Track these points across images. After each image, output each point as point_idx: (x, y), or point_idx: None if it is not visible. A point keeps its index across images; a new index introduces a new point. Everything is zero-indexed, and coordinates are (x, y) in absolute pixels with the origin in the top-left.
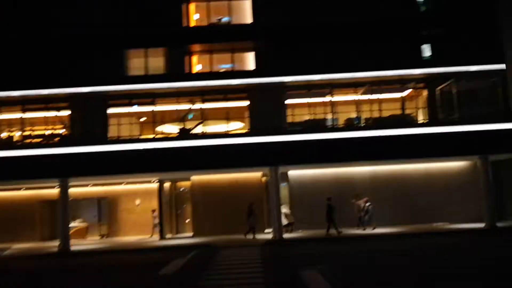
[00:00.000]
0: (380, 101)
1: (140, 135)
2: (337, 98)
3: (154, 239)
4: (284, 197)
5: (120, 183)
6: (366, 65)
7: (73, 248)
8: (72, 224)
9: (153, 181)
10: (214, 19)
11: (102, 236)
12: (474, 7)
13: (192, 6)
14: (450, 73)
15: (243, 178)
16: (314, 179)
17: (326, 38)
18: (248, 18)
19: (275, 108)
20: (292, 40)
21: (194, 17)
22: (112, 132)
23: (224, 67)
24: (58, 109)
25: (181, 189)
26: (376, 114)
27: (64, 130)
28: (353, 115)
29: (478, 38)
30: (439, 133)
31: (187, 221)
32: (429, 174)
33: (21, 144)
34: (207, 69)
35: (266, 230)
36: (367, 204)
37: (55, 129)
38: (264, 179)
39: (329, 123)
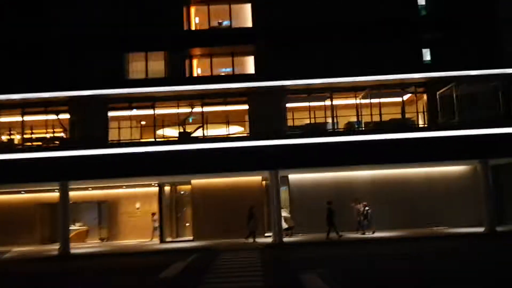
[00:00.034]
0: (380, 105)
1: (140, 138)
2: (337, 102)
3: (154, 243)
4: (284, 200)
5: (120, 187)
6: (366, 69)
7: (73, 251)
8: (72, 227)
9: (153, 185)
10: (214, 23)
11: (102, 239)
12: (474, 11)
13: (192, 10)
14: (450, 77)
15: (243, 182)
16: (314, 183)
17: (326, 41)
18: (248, 22)
19: (275, 112)
20: (292, 43)
21: (195, 20)
22: (112, 135)
23: (224, 71)
24: (58, 112)
25: (181, 193)
26: (376, 118)
27: (64, 133)
28: (353, 119)
29: (478, 42)
30: (439, 137)
31: (187, 224)
32: (429, 178)
33: (21, 147)
34: (207, 73)
35: (266, 234)
36: (366, 208)
37: (55, 132)
38: (264, 182)
39: (329, 127)
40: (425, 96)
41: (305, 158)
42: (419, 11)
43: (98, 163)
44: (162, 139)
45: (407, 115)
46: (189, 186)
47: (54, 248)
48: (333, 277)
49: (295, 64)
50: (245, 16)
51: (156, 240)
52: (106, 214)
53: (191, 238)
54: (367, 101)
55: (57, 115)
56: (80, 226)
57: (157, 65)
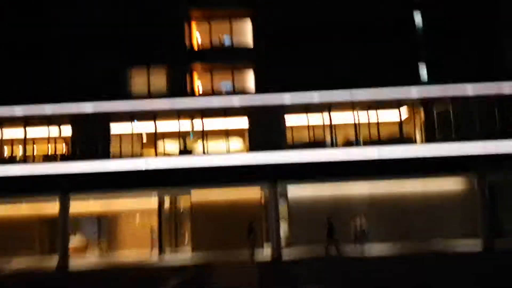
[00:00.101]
0: (378, 120)
1: (141, 152)
2: (336, 119)
3: (153, 256)
4: (283, 215)
5: (120, 199)
6: (364, 84)
7: (72, 264)
8: (71, 241)
9: (153, 198)
10: (215, 39)
11: (101, 252)
12: (471, 27)
13: (194, 26)
14: (447, 93)
15: (242, 195)
16: (313, 196)
17: (327, 53)
18: (249, 36)
19: (275, 128)
20: (292, 59)
21: (196, 36)
22: (113, 149)
23: (225, 86)
24: (60, 125)
25: (180, 206)
26: (374, 133)
27: (65, 146)
28: (352, 133)
29: (475, 58)
30: (436, 152)
31: (186, 237)
32: (426, 193)
33: (22, 160)
34: (208, 88)
35: (265, 248)
36: (362, 221)
37: (56, 146)
38: (263, 196)
39: (328, 142)
40: (422, 112)
41: (303, 172)
42: (417, 27)
43: (98, 176)
44: (163, 153)
45: (404, 130)
46: (188, 199)
47: (53, 261)
48: None
49: (295, 83)
50: (246, 32)
51: (155, 253)
52: (106, 227)
53: (190, 251)
54: (365, 119)
55: (58, 128)
56: (79, 239)
57: (159, 80)
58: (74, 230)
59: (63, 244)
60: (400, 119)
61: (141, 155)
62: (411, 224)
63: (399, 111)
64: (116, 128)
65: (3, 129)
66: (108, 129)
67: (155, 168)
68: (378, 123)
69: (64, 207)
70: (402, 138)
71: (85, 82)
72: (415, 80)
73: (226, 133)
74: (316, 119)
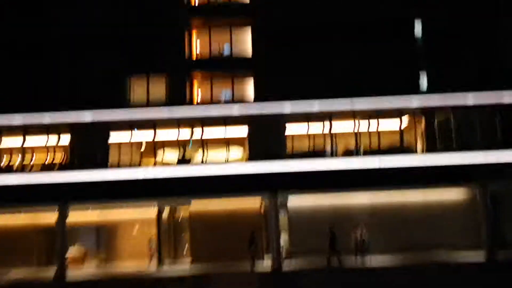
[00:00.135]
0: (378, 130)
1: (140, 162)
2: (336, 128)
3: (151, 267)
4: (283, 225)
5: (119, 209)
6: (364, 93)
7: (69, 275)
8: (69, 251)
9: (152, 208)
10: (215, 48)
11: (99, 263)
12: (471, 37)
13: (194, 35)
14: (448, 102)
15: (242, 205)
16: (313, 208)
17: (326, 66)
18: (249, 45)
19: (275, 137)
20: (292, 67)
21: (196, 44)
22: (112, 158)
23: (225, 95)
24: (59, 134)
25: (180, 216)
26: (375, 142)
27: (64, 156)
28: (352, 143)
29: (476, 68)
30: (438, 161)
31: (185, 248)
32: (428, 203)
33: (21, 169)
34: (208, 97)
35: (265, 259)
36: (362, 232)
37: (55, 155)
38: (263, 206)
39: (328, 151)
40: (423, 122)
41: (304, 182)
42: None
43: (97, 186)
44: (162, 163)
45: (405, 140)
46: (188, 210)
47: (50, 272)
48: None
49: (295, 92)
50: (246, 42)
51: (153, 264)
52: (104, 237)
53: (189, 262)
54: (365, 128)
55: (57, 137)
56: (77, 250)
57: (158, 89)
58: (72, 240)
59: (61, 254)
60: (401, 128)
61: (140, 164)
62: (412, 234)
63: (400, 120)
64: (115, 137)
65: (1, 137)
66: (106, 138)
67: (154, 177)
68: (378, 132)
69: (62, 217)
70: (403, 147)
71: (85, 90)
72: (416, 89)
73: (226, 142)
74: (316, 128)
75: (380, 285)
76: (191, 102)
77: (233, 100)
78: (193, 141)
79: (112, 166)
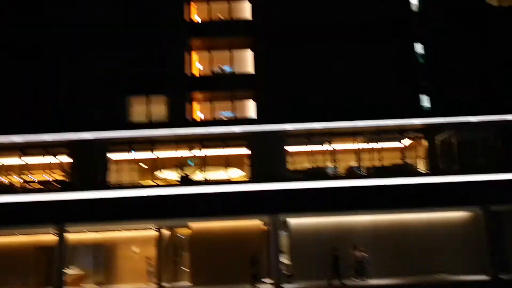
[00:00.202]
0: (380, 150)
1: (140, 181)
2: (337, 146)
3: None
4: (284, 246)
5: (118, 230)
6: (365, 114)
7: None
8: (68, 272)
9: (152, 228)
10: (215, 68)
11: (98, 284)
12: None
13: (194, 55)
14: (449, 123)
15: (242, 226)
16: (314, 227)
17: (326, 86)
18: (249, 66)
19: (275, 156)
20: (292, 88)
21: (197, 65)
22: (112, 178)
23: (225, 114)
24: (58, 154)
25: (179, 237)
26: (376, 163)
27: (63, 175)
28: (354, 163)
29: (477, 89)
30: (440, 183)
31: (185, 269)
32: (430, 224)
33: (19, 189)
34: (208, 116)
35: (266, 280)
36: (363, 254)
37: (54, 175)
38: (264, 227)
39: (329, 171)
40: (425, 142)
41: (305, 202)
42: (418, 58)
43: (96, 206)
44: (162, 182)
45: (407, 161)
46: (187, 230)
47: None
48: None
49: (296, 111)
50: (246, 62)
51: (152, 285)
52: (103, 258)
53: (189, 283)
54: (367, 145)
55: (56, 157)
56: (76, 270)
57: (158, 108)
58: (70, 260)
59: (58, 275)
60: (403, 150)
61: (139, 184)
62: (414, 256)
63: (402, 142)
64: (115, 156)
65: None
66: (106, 158)
67: (154, 197)
68: (380, 154)
69: (61, 237)
70: (405, 168)
71: (85, 111)
72: (418, 112)
73: (226, 162)
74: (317, 147)
75: None
76: (191, 121)
77: (233, 120)
78: (194, 161)
79: (111, 186)
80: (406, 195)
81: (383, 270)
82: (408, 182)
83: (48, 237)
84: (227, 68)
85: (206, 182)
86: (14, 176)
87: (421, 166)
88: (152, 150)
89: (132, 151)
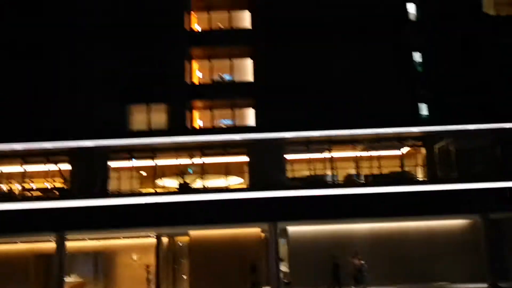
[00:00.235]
0: (379, 157)
1: (140, 189)
2: (336, 154)
3: None
4: (283, 254)
5: (117, 237)
6: (365, 122)
7: None
8: (67, 280)
9: (151, 236)
10: (215, 76)
11: None
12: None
13: (195, 64)
14: (448, 131)
15: (241, 234)
16: (314, 235)
17: (326, 94)
18: (248, 75)
19: (275, 164)
20: (292, 96)
21: (197, 74)
22: (112, 185)
23: (225, 122)
24: (59, 162)
25: (179, 244)
26: (375, 171)
27: (63, 183)
28: (353, 171)
29: (474, 96)
30: (439, 190)
31: (184, 277)
32: (429, 232)
33: (20, 197)
34: (208, 124)
35: None
36: (361, 262)
37: (54, 182)
38: (263, 235)
39: (328, 179)
40: (424, 150)
41: (304, 210)
42: (416, 67)
43: (96, 214)
44: (161, 190)
45: (406, 168)
46: (187, 238)
47: None
48: None
49: (295, 119)
50: (246, 70)
51: None
52: (103, 265)
53: None
54: (366, 153)
55: (57, 165)
56: (75, 278)
57: (158, 116)
58: (70, 268)
59: (58, 283)
60: (402, 157)
61: (139, 192)
62: (413, 264)
63: (401, 150)
64: (115, 164)
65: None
66: (106, 165)
67: (153, 205)
68: (379, 162)
69: (60, 244)
70: (404, 176)
71: (86, 119)
72: (416, 120)
73: (226, 170)
74: (316, 155)
75: None
76: (191, 129)
77: (233, 128)
78: (193, 169)
79: (111, 194)
80: (405, 203)
81: (382, 278)
82: (407, 190)
83: (48, 244)
84: (226, 77)
85: (206, 190)
86: (15, 184)
87: (420, 174)
88: (152, 158)
89: (133, 159)
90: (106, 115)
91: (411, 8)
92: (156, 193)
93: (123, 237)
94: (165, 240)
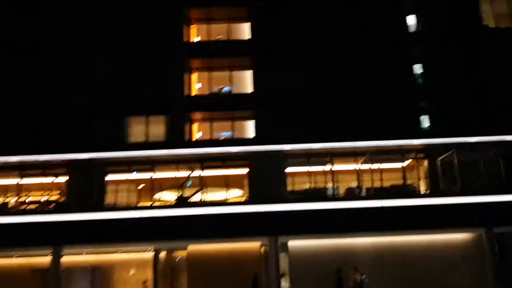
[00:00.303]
0: (381, 170)
1: (138, 202)
2: (337, 166)
3: None
4: (283, 268)
5: (115, 252)
6: (366, 134)
7: None
8: None
9: (149, 250)
10: (215, 89)
11: None
12: (470, 78)
13: (194, 76)
14: (450, 144)
15: (241, 248)
16: (315, 249)
17: (327, 105)
18: (248, 87)
19: (275, 176)
20: (292, 108)
21: (196, 86)
22: (109, 199)
23: (224, 134)
24: (56, 175)
25: (177, 259)
26: (377, 184)
27: (60, 196)
28: (354, 184)
29: (476, 108)
30: (442, 204)
31: None
32: (432, 246)
33: (15, 210)
34: (207, 137)
35: None
36: (363, 276)
37: (51, 195)
38: (263, 249)
39: (329, 192)
40: (426, 162)
41: (305, 224)
42: (417, 79)
43: (93, 228)
44: (159, 204)
45: (408, 181)
46: (185, 252)
47: None
48: None
49: (295, 131)
50: (245, 82)
51: None
52: (99, 280)
53: None
54: (367, 166)
55: (54, 177)
56: None
57: (157, 128)
58: (66, 283)
59: None
60: (404, 170)
61: (137, 205)
62: (415, 278)
63: (403, 162)
64: (113, 177)
65: None
66: (104, 178)
67: (151, 219)
68: (381, 175)
69: (57, 259)
70: (406, 190)
71: (84, 131)
72: (417, 132)
73: (226, 183)
74: (317, 168)
75: None
76: (190, 141)
77: (232, 140)
78: (192, 180)
79: (109, 207)
80: (407, 217)
81: None
82: (409, 204)
83: (45, 259)
84: (226, 88)
85: (205, 203)
86: (12, 198)
87: (422, 187)
88: (150, 171)
89: (132, 171)
90: (104, 127)
91: (411, 20)
92: (154, 207)
93: (121, 252)
94: (163, 254)
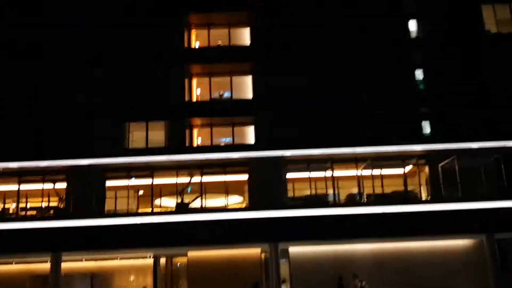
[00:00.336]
0: (381, 176)
1: (137, 208)
2: (338, 172)
3: None
4: (284, 274)
5: (114, 258)
6: (367, 140)
7: None
8: None
9: (149, 257)
10: (215, 94)
11: None
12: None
13: (194, 81)
14: (451, 149)
15: (241, 255)
16: (316, 256)
17: (328, 107)
18: (248, 92)
19: (275, 182)
20: (292, 112)
21: (196, 91)
22: (109, 205)
23: (224, 140)
24: (55, 181)
25: (177, 265)
26: (378, 190)
27: (59, 202)
28: (355, 190)
29: (477, 114)
30: (443, 210)
31: None
32: (433, 252)
33: (15, 216)
34: (207, 143)
35: None
36: (363, 283)
37: (50, 202)
38: (263, 255)
39: (330, 198)
40: (427, 168)
41: (305, 230)
42: (418, 84)
43: (92, 234)
44: (159, 210)
45: (409, 188)
46: (185, 259)
47: None
48: None
49: (295, 137)
50: (246, 88)
51: None
52: (99, 287)
53: None
54: (368, 172)
55: (54, 184)
56: None
57: (157, 134)
58: None
59: None
60: (405, 176)
61: (137, 211)
62: (416, 284)
63: (404, 168)
64: (113, 183)
65: None
66: (104, 184)
67: (151, 225)
68: (381, 181)
69: (56, 265)
70: (407, 196)
71: (83, 137)
72: (418, 138)
73: (226, 189)
74: (317, 174)
75: None
76: (190, 147)
77: (232, 146)
78: (192, 186)
79: (109, 214)
80: (409, 223)
81: None
82: (410, 210)
83: (44, 265)
84: (226, 94)
85: (205, 210)
86: (11, 204)
87: (424, 193)
88: (150, 177)
89: (131, 177)
90: (103, 133)
91: (413, 25)
92: (154, 213)
93: (120, 258)
94: (163, 261)
